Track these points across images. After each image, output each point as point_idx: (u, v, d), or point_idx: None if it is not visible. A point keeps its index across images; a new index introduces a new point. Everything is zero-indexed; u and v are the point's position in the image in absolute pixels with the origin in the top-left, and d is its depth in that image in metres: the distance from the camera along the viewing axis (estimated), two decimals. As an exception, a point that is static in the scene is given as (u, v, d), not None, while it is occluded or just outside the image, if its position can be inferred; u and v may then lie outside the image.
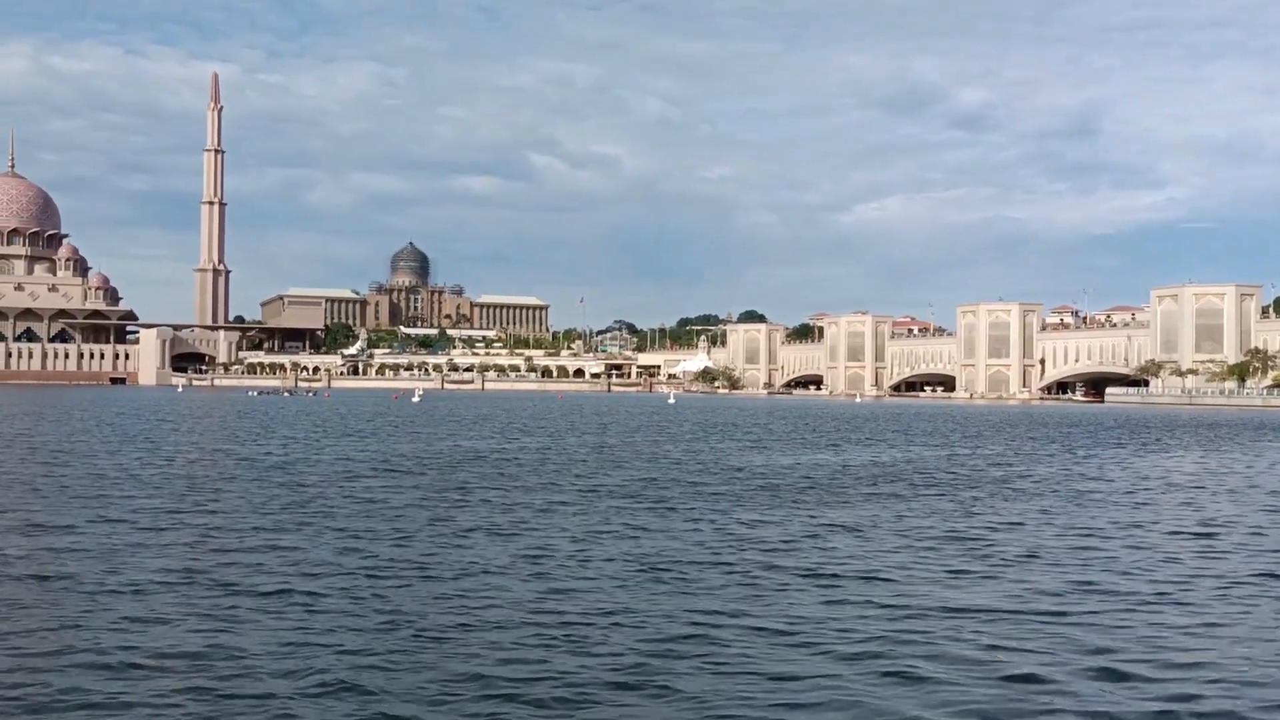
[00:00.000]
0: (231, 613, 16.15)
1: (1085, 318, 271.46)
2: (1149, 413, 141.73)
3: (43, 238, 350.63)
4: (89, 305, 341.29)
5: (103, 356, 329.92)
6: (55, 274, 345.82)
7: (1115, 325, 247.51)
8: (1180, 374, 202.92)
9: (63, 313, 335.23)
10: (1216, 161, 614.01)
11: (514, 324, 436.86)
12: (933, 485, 37.45)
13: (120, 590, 17.58)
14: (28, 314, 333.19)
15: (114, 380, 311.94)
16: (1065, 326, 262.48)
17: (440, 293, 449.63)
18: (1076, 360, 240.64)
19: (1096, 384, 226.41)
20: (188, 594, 17.47)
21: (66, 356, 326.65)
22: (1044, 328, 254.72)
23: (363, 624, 15.61)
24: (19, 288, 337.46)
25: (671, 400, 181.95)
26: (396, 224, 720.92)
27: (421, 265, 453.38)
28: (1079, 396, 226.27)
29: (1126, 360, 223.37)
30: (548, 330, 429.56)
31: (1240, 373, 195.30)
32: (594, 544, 22.99)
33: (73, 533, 23.55)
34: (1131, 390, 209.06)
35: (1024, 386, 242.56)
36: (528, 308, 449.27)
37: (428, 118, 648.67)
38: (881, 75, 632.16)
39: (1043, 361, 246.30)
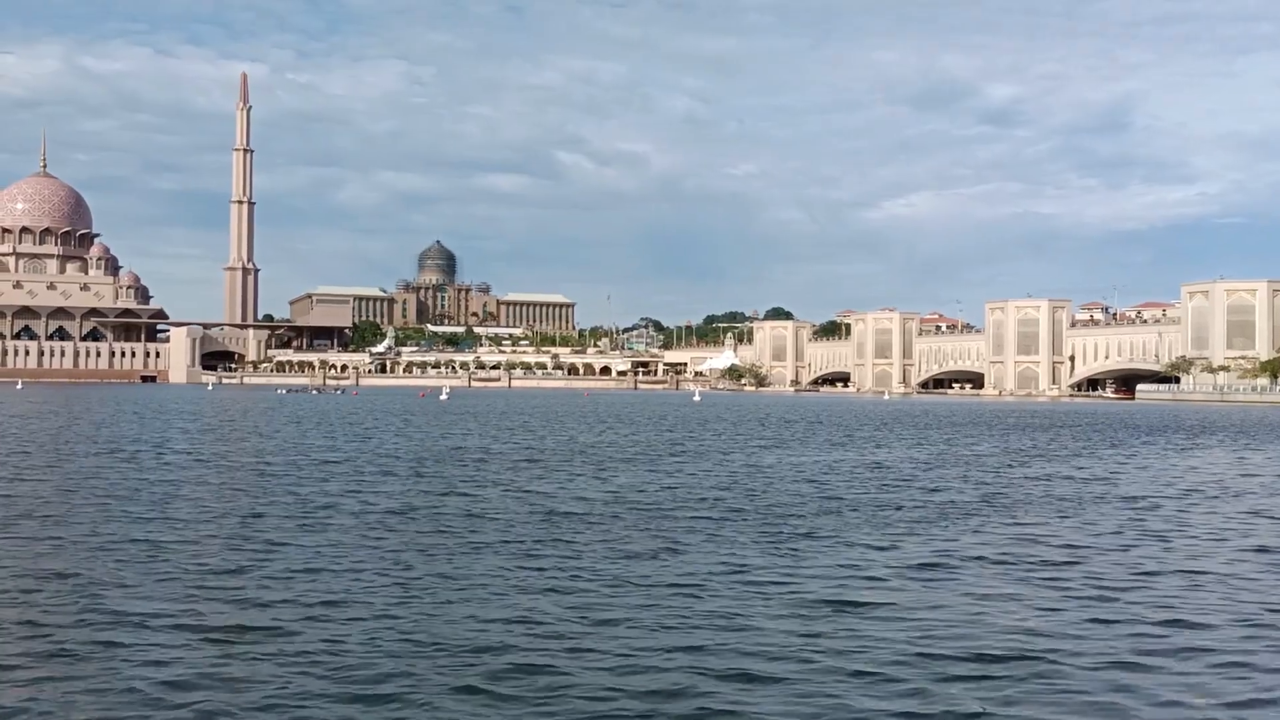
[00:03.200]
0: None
1: (1115, 314, 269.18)
2: (1184, 410, 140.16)
3: (74, 237, 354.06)
4: (120, 304, 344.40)
5: (133, 355, 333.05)
6: (87, 273, 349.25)
7: (1146, 322, 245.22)
8: (1212, 371, 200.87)
9: (94, 311, 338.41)
10: (1249, 156, 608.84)
11: (540, 322, 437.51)
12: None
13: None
14: (60, 313, 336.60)
15: (144, 378, 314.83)
16: (1095, 323, 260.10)
17: (467, 291, 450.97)
18: (1107, 357, 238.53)
19: (1127, 381, 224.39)
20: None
21: (98, 355, 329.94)
22: (1074, 324, 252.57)
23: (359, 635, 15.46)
24: (51, 287, 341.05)
25: (697, 398, 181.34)
26: (424, 222, 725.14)
27: (448, 263, 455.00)
28: (1109, 393, 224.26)
29: (1157, 357, 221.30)
30: (574, 328, 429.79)
31: (1273, 369, 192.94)
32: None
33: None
34: (1163, 387, 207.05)
35: (1053, 383, 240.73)
36: (554, 305, 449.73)
37: (455, 116, 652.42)
38: (909, 71, 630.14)
39: (1072, 358, 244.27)
